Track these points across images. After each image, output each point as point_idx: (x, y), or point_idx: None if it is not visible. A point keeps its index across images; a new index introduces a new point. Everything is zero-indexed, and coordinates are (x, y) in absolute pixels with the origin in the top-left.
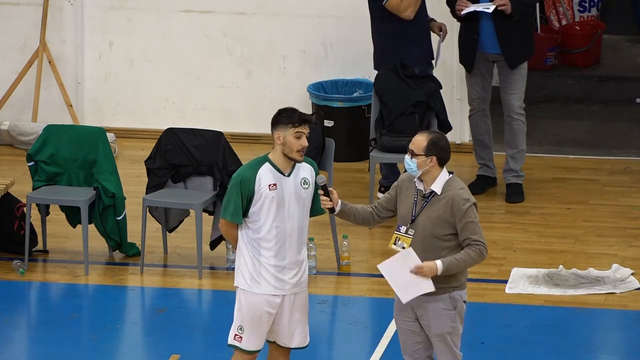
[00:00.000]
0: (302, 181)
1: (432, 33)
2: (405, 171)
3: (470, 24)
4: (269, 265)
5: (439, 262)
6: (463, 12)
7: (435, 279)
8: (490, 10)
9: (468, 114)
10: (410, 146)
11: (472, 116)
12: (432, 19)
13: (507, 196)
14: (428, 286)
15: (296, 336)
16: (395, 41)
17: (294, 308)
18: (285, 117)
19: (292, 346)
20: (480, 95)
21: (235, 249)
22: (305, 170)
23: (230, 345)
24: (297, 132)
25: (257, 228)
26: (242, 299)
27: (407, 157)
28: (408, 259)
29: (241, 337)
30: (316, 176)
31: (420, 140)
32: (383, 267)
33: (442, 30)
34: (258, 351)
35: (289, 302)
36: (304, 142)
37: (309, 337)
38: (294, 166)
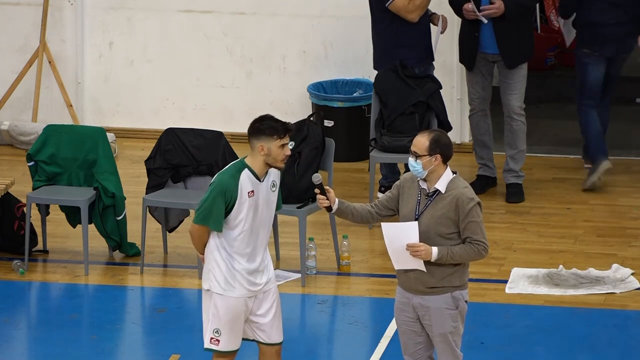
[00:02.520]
0: (272, 184)
1: (431, 25)
2: (406, 171)
3: (471, 22)
4: (242, 270)
5: (434, 249)
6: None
7: (438, 278)
8: (485, 22)
9: (468, 114)
10: (412, 148)
11: (472, 116)
12: (434, 13)
13: (507, 196)
14: (419, 264)
15: (274, 331)
16: (396, 42)
17: (268, 303)
18: (268, 128)
19: (273, 342)
20: (481, 95)
21: (202, 253)
22: (274, 173)
23: (208, 350)
24: (282, 143)
25: (232, 234)
26: (217, 303)
27: (410, 159)
28: (410, 232)
29: (218, 340)
30: (281, 178)
31: (421, 141)
32: (386, 227)
33: (441, 20)
34: (237, 350)
35: (259, 300)
36: (288, 150)
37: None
38: (267, 171)
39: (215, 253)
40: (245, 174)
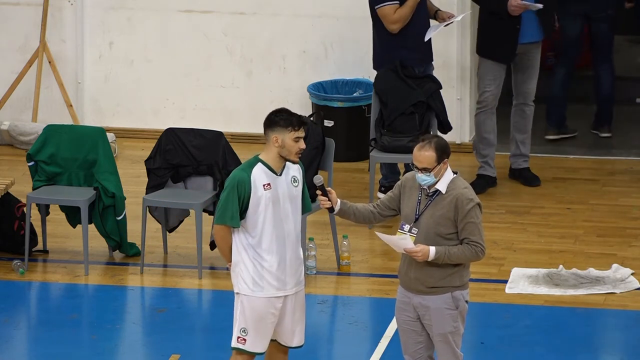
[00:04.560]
0: (292, 179)
1: (434, 20)
2: (406, 171)
3: (511, 17)
4: (270, 267)
5: (432, 249)
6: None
7: (437, 278)
8: (540, 6)
9: (475, 111)
10: (419, 165)
11: (479, 113)
12: (439, 9)
13: (528, 180)
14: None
15: (297, 335)
16: (396, 43)
17: (296, 308)
18: (283, 120)
19: (293, 345)
20: (494, 92)
21: (229, 261)
22: (293, 168)
23: (234, 348)
24: (297, 136)
25: (254, 231)
26: (245, 303)
27: (420, 175)
28: (404, 242)
29: (245, 340)
30: (303, 174)
31: (428, 156)
32: (381, 237)
33: (449, 17)
34: (262, 353)
35: (292, 302)
36: (302, 144)
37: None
38: (284, 165)
39: (242, 254)
40: (259, 168)
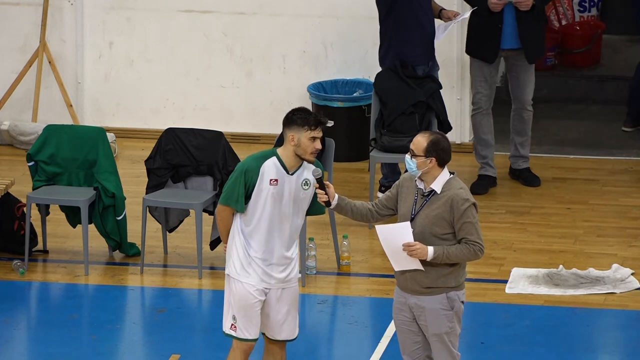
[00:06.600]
0: (304, 182)
1: (439, 20)
2: (406, 171)
3: (493, 15)
4: (257, 258)
5: (430, 249)
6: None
7: (433, 278)
8: None
9: (471, 113)
10: (411, 146)
11: (475, 115)
12: (443, 8)
13: (527, 181)
14: (417, 264)
15: (284, 329)
16: (401, 39)
17: (282, 302)
18: (300, 119)
19: (281, 339)
20: (487, 93)
21: (225, 242)
22: (309, 171)
23: (228, 335)
24: (313, 136)
25: (250, 220)
26: (232, 288)
27: (407, 156)
28: (404, 232)
29: (236, 327)
30: (322, 173)
31: (420, 141)
32: (380, 229)
33: (454, 16)
34: (254, 340)
35: (276, 296)
36: (318, 144)
37: (298, 328)
38: (300, 166)
39: (236, 237)
40: (272, 162)
